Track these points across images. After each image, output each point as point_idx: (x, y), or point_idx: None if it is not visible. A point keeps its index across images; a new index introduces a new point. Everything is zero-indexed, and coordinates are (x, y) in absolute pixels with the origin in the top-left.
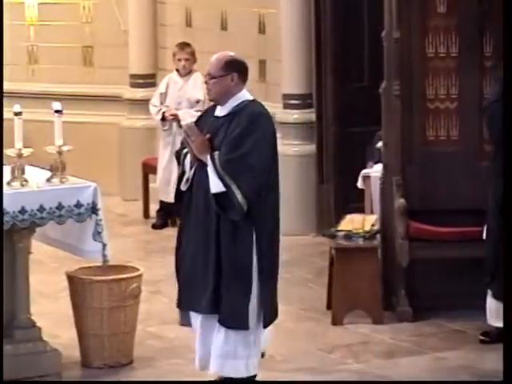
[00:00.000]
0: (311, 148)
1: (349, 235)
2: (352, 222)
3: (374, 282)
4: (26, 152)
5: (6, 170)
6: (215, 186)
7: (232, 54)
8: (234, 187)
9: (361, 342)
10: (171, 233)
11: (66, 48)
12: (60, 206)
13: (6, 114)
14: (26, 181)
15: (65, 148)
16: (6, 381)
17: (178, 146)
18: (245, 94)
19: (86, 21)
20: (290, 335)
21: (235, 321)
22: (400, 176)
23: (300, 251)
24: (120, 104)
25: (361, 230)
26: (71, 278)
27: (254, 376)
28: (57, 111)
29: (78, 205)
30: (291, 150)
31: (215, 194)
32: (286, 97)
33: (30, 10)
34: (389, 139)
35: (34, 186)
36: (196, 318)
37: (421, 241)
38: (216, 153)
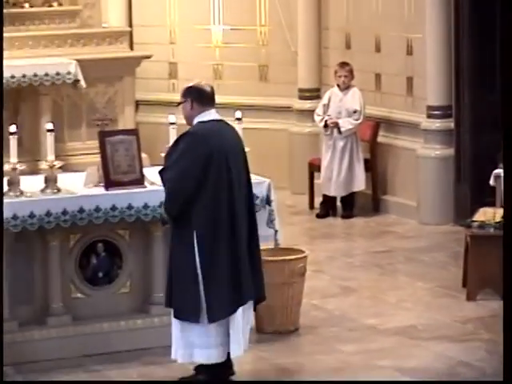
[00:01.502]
0: (450, 151)
1: (482, 225)
2: (485, 214)
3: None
4: None
5: None
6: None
7: (195, 82)
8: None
9: (491, 315)
10: (332, 222)
11: (245, 66)
12: None
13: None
14: None
15: None
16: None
17: (338, 148)
18: (200, 117)
19: (262, 43)
20: (429, 308)
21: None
22: None
23: (440, 238)
24: (290, 113)
25: (492, 221)
26: None
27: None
28: (238, 119)
29: (255, 197)
30: (434, 153)
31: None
32: (429, 108)
33: (216, 35)
34: None
35: None
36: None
37: None
38: None
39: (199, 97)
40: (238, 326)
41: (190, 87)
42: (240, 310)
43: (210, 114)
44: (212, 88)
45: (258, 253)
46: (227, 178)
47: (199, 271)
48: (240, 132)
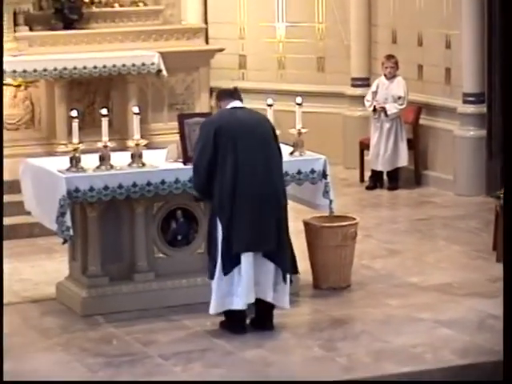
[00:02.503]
0: (483, 132)
1: None
2: None
3: None
4: (276, 132)
5: None
6: None
7: (224, 87)
8: None
9: None
10: (379, 193)
11: (305, 58)
12: (299, 172)
13: (261, 106)
14: None
15: (303, 130)
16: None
17: (385, 130)
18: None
19: (319, 38)
20: (464, 268)
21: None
22: None
23: (473, 208)
24: (343, 99)
25: None
26: (307, 224)
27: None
28: (298, 104)
29: (312, 171)
30: (468, 134)
31: None
32: (465, 95)
33: (280, 31)
34: None
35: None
36: None
37: None
38: None
39: (221, 96)
40: (247, 278)
41: (217, 91)
42: (248, 264)
43: (231, 104)
44: (234, 87)
45: (282, 223)
46: (233, 154)
47: (219, 240)
48: (299, 115)
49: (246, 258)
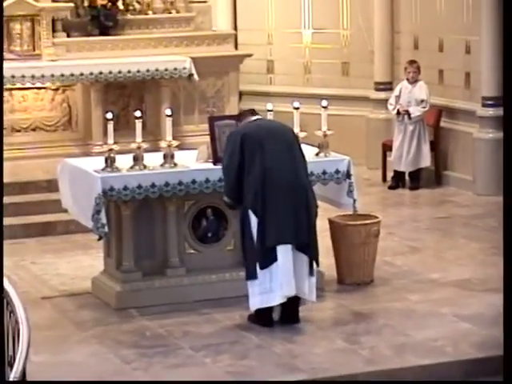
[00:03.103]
0: (501, 135)
1: None
2: None
3: None
4: (302, 134)
5: None
6: None
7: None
8: None
9: None
10: (401, 192)
11: (330, 63)
12: (324, 172)
13: (288, 109)
14: None
15: (328, 132)
16: None
17: (408, 132)
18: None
19: (344, 44)
20: (482, 265)
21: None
22: None
23: (492, 207)
24: (367, 102)
25: None
26: (332, 222)
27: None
28: (323, 107)
29: (337, 171)
30: (487, 136)
31: None
32: (484, 98)
33: (306, 37)
34: None
35: (307, 158)
36: None
37: None
38: None
39: (242, 116)
40: (284, 270)
41: (237, 115)
42: (285, 256)
43: (252, 118)
44: (250, 108)
45: (310, 218)
46: (260, 155)
47: (254, 236)
48: (325, 118)
49: (284, 251)
